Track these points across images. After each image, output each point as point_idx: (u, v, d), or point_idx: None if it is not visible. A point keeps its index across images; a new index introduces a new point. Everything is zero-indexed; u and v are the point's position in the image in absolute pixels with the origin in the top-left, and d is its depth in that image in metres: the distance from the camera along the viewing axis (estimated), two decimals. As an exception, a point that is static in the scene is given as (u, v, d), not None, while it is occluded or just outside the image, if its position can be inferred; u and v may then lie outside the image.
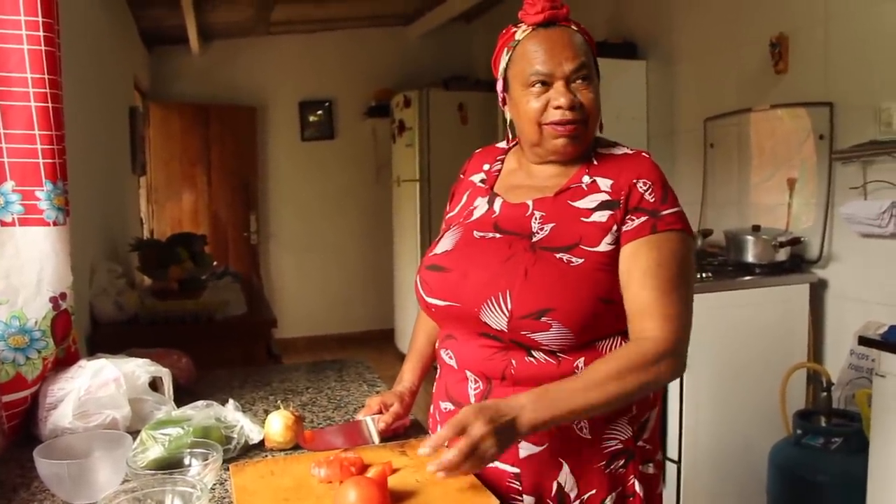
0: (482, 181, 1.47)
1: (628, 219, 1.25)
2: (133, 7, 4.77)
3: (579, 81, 1.28)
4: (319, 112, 6.67)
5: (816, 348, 3.05)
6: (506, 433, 1.09)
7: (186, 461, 1.26)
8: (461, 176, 1.54)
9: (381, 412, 1.41)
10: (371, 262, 6.77)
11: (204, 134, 6.21)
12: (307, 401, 1.78)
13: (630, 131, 3.95)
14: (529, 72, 1.29)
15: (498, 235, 1.33)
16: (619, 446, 1.28)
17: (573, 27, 1.31)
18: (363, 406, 1.49)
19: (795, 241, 3.02)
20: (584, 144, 1.33)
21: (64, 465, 1.19)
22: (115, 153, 3.83)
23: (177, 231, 4.57)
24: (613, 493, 1.27)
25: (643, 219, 1.25)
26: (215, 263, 4.19)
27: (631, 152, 1.34)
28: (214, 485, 1.24)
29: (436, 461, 1.06)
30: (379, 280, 6.67)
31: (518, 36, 1.32)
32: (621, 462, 1.28)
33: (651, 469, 1.33)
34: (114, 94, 3.89)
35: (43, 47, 1.48)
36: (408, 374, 1.54)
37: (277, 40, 6.38)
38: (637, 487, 1.28)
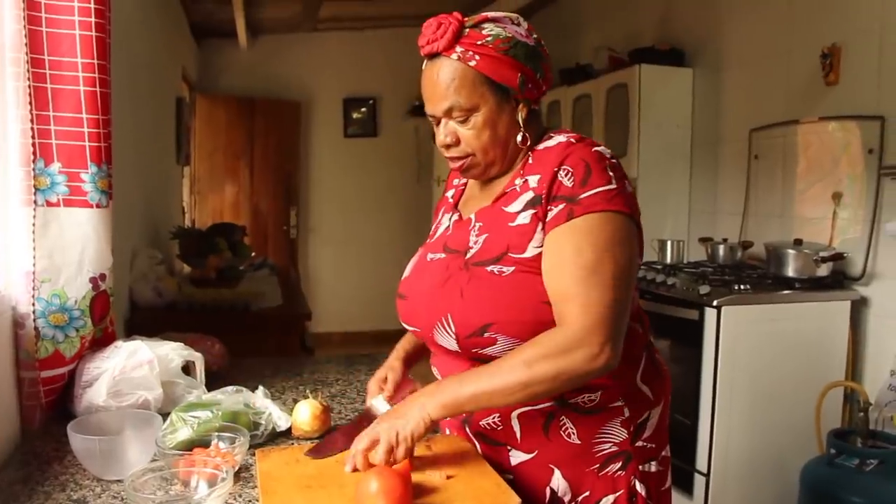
0: (452, 196, 1.47)
1: (549, 209, 1.20)
2: (184, 0, 4.85)
3: (454, 121, 1.27)
4: (363, 109, 6.71)
5: (855, 367, 2.97)
6: (404, 415, 1.16)
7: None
8: (444, 192, 1.53)
9: (381, 390, 1.41)
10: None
11: (248, 127, 6.30)
12: (336, 392, 1.79)
13: (673, 140, 3.88)
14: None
15: (443, 256, 1.33)
16: (614, 449, 1.27)
17: (454, 57, 1.23)
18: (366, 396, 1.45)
19: (838, 257, 2.95)
20: (490, 169, 1.30)
21: (96, 441, 1.22)
22: (161, 142, 3.90)
23: (218, 222, 4.63)
24: (612, 495, 1.26)
25: (560, 206, 1.19)
26: (254, 255, 4.24)
27: (563, 140, 1.26)
28: (240, 469, 1.26)
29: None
30: (415, 279, 6.67)
31: (423, 66, 1.31)
32: (618, 465, 1.27)
33: (653, 467, 1.31)
34: (162, 85, 3.96)
35: (94, 33, 1.52)
36: (398, 346, 1.52)
37: (324, 37, 6.44)
38: (639, 487, 1.27)
